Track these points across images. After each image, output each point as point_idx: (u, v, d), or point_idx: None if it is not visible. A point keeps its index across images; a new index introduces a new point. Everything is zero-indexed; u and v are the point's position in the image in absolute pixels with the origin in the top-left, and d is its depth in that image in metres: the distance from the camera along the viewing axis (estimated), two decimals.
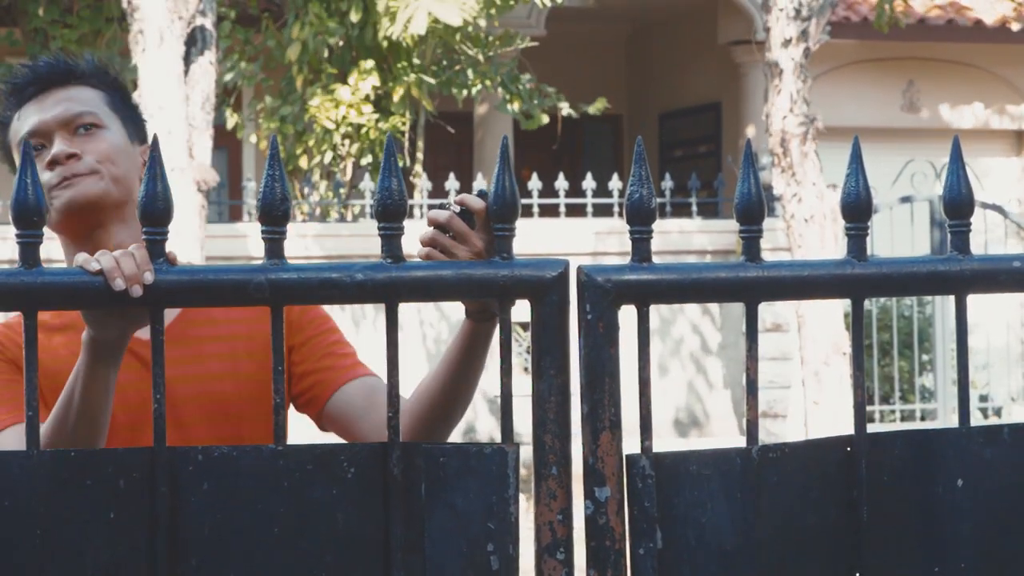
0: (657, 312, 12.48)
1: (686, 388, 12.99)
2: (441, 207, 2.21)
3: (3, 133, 2.56)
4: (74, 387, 2.16)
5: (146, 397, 2.18)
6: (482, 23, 12.68)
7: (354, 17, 12.03)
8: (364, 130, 12.37)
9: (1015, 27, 16.50)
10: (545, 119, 12.96)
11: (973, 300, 2.03)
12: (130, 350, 2.28)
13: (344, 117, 12.25)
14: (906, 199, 13.19)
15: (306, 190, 12.44)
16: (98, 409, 2.17)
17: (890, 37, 15.62)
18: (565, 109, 13.05)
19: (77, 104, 2.50)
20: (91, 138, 2.49)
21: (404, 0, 11.79)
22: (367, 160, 12.72)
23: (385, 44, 12.33)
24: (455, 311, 12.24)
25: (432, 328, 12.21)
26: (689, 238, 13.01)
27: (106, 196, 2.44)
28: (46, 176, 2.45)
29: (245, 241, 12.29)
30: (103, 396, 2.16)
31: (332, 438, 2.34)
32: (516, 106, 12.84)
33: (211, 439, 2.39)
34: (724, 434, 12.87)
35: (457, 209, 2.18)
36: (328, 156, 12.49)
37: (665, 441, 12.24)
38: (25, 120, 2.51)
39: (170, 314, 2.42)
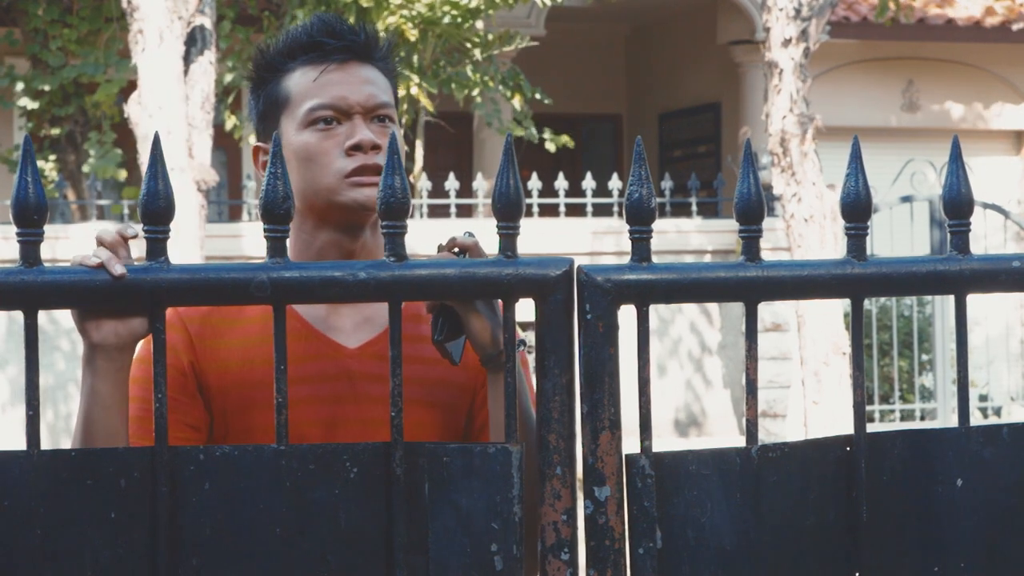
0: (656, 312, 12.48)
1: (685, 388, 12.99)
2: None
3: (270, 77, 2.39)
4: (79, 410, 2.11)
5: (342, 412, 2.26)
6: (479, 24, 12.67)
7: (349, 20, 12.05)
8: None
9: (1015, 27, 16.51)
10: (521, 131, 12.96)
11: (973, 300, 2.03)
12: (335, 360, 2.25)
13: None
14: (906, 199, 13.19)
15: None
16: (99, 431, 2.09)
17: (890, 37, 15.64)
18: (527, 132, 13.02)
19: (380, 92, 2.37)
20: (386, 133, 2.35)
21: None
22: None
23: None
24: None
25: None
26: (688, 238, 13.01)
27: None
28: (341, 161, 2.31)
29: (245, 241, 12.29)
30: (105, 415, 2.08)
31: None
32: (518, 101, 12.84)
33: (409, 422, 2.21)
34: (724, 433, 12.87)
35: (453, 251, 2.10)
36: None
37: (665, 441, 12.24)
38: (323, 87, 2.34)
39: (378, 326, 2.34)
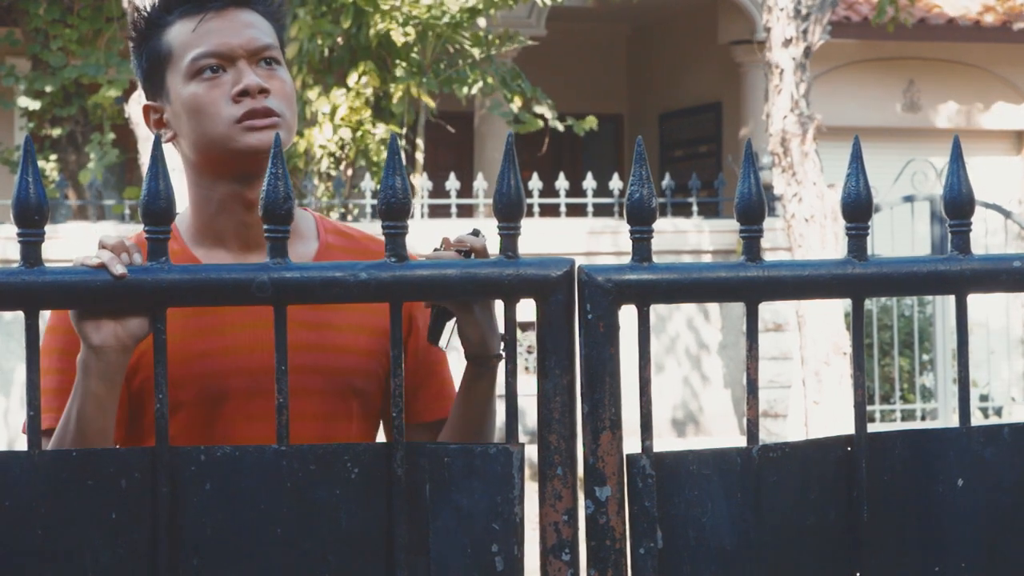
0: (653, 310, 12.47)
1: (683, 386, 12.99)
2: (441, 245, 2.16)
3: (151, 34, 2.36)
4: (71, 409, 2.11)
5: (265, 364, 2.19)
6: (480, 22, 12.67)
7: (346, 24, 12.03)
8: (359, 133, 12.37)
9: (1015, 27, 16.51)
10: (539, 124, 12.95)
11: (973, 299, 2.03)
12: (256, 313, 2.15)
13: (344, 117, 12.25)
14: (907, 199, 13.19)
15: (308, 187, 12.44)
16: (92, 429, 2.10)
17: (890, 37, 15.63)
18: (553, 121, 13.03)
19: (263, 35, 2.33)
20: (273, 75, 2.33)
21: None
22: (363, 163, 12.72)
23: (380, 43, 12.32)
24: None
25: None
26: (689, 238, 13.00)
27: (284, 145, 2.17)
28: (229, 108, 2.28)
29: None
30: (98, 416, 2.09)
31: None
32: (517, 103, 12.84)
33: (325, 411, 2.29)
34: (722, 433, 12.87)
35: (460, 250, 2.12)
36: (325, 163, 12.48)
37: (662, 440, 12.24)
38: (203, 36, 2.31)
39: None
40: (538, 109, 13.06)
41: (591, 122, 13.04)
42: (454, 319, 2.18)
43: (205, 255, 2.31)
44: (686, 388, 12.97)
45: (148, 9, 2.37)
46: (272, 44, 2.34)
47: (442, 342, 2.20)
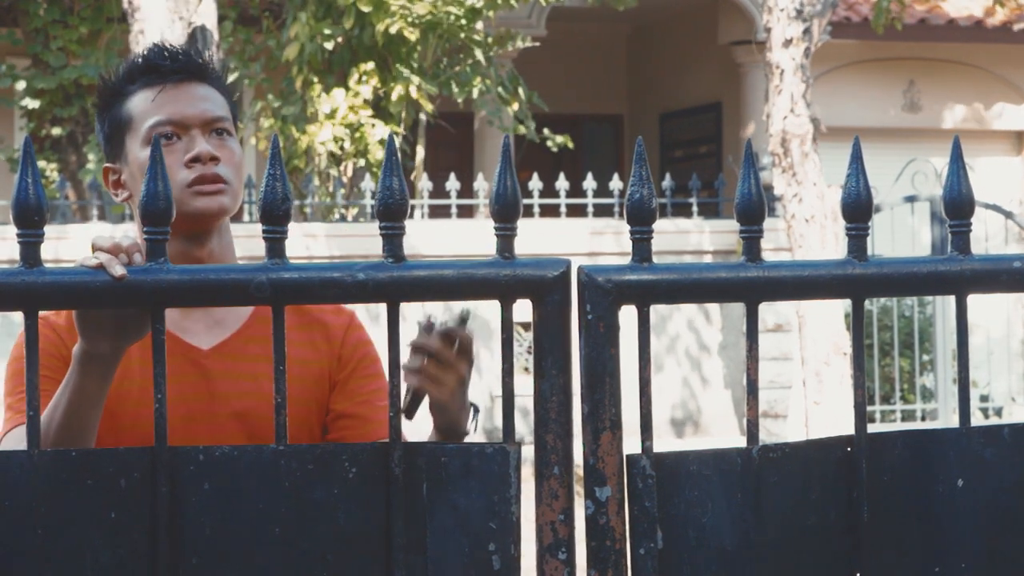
0: (654, 311, 12.47)
1: (682, 386, 12.99)
2: (427, 327, 2.25)
3: (114, 101, 2.53)
4: (60, 399, 2.15)
5: (198, 408, 2.38)
6: (479, 24, 12.67)
7: (348, 24, 12.04)
8: (358, 134, 12.37)
9: (1016, 27, 16.51)
10: (526, 130, 12.99)
11: (974, 300, 2.03)
12: (190, 360, 2.40)
13: (344, 117, 12.25)
14: (907, 199, 13.19)
15: (309, 187, 12.45)
16: (82, 424, 2.15)
17: (890, 37, 15.62)
18: (529, 132, 13.06)
19: (216, 107, 2.52)
20: (223, 145, 2.50)
21: None
22: (363, 163, 12.72)
23: (383, 43, 12.32)
24: (459, 305, 12.23)
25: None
26: (689, 238, 13.01)
27: (229, 210, 2.47)
28: (182, 173, 2.43)
29: (245, 241, 12.28)
30: (89, 411, 2.15)
31: None
32: (514, 106, 12.85)
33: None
34: (721, 433, 12.87)
35: (437, 331, 2.23)
36: (324, 162, 12.48)
37: (663, 440, 12.24)
38: (161, 106, 2.48)
39: (229, 328, 2.48)
40: (523, 115, 13.11)
41: (564, 140, 13.17)
42: (426, 395, 2.26)
43: None
44: (685, 388, 12.97)
45: (112, 78, 2.55)
46: (224, 116, 2.52)
47: (415, 416, 2.25)
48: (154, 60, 2.52)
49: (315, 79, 12.33)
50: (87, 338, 2.06)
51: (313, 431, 2.50)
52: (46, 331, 2.36)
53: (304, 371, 2.49)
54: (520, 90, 12.99)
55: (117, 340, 2.07)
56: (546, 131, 13.22)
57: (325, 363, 2.53)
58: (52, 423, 2.15)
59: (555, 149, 13.23)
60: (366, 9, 11.99)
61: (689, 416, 12.97)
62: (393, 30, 11.96)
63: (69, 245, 11.87)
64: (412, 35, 12.04)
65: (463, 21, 12.21)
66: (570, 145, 13.23)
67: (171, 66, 2.52)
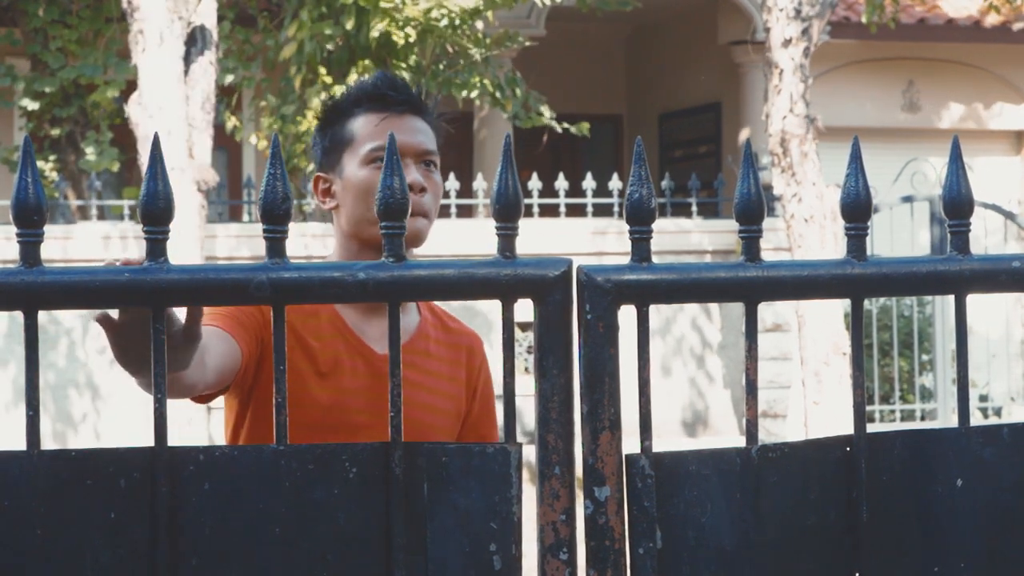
0: (658, 311, 12.48)
1: (690, 387, 12.99)
2: None
3: (337, 119, 2.80)
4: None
5: (368, 405, 2.68)
6: (479, 24, 12.67)
7: (348, 24, 12.04)
8: None
9: (1015, 27, 16.51)
10: (541, 120, 12.95)
11: (973, 300, 2.03)
12: (367, 361, 2.72)
13: None
14: (906, 199, 13.19)
15: (308, 187, 12.44)
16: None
17: (890, 37, 15.63)
18: (551, 122, 13.03)
19: (429, 141, 2.78)
20: (431, 177, 2.77)
21: None
22: None
23: (380, 44, 12.32)
24: (459, 305, 12.24)
25: None
26: (689, 238, 13.01)
27: (424, 238, 2.73)
28: None
29: (245, 241, 12.29)
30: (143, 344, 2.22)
31: None
32: (508, 109, 12.85)
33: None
34: (732, 432, 12.88)
35: None
36: None
37: (674, 441, 12.25)
38: (383, 131, 2.73)
39: (403, 337, 2.72)
40: (539, 109, 13.06)
41: (585, 127, 13.10)
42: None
43: (341, 308, 2.77)
44: (693, 388, 12.98)
45: (339, 98, 2.83)
46: (435, 151, 2.80)
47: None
48: (383, 89, 2.78)
49: (322, 70, 12.33)
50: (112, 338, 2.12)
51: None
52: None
53: (452, 387, 2.83)
54: (517, 91, 12.98)
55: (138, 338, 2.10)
56: (565, 124, 13.19)
57: (463, 386, 2.87)
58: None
59: (580, 134, 13.21)
60: (365, 4, 11.99)
61: (699, 416, 12.98)
62: (377, 32, 11.94)
63: (69, 245, 11.86)
64: (400, 39, 12.03)
65: (457, 22, 12.19)
66: (587, 132, 13.21)
67: (397, 97, 2.77)
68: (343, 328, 2.75)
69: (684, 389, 12.94)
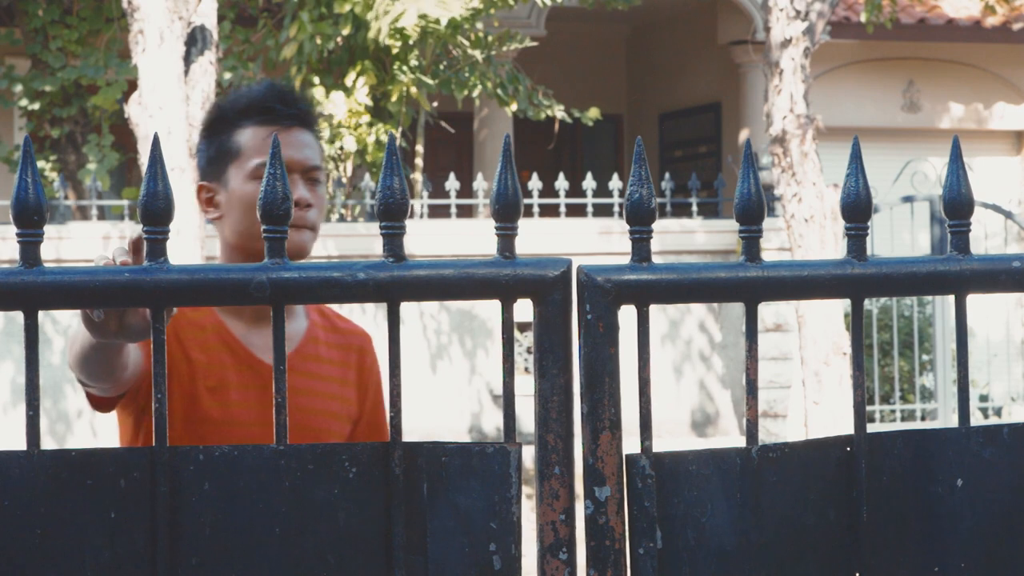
0: (664, 314, 12.49)
1: (701, 389, 13.00)
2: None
3: (224, 128, 2.77)
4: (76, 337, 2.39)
5: (262, 416, 2.67)
6: (479, 25, 12.67)
7: (345, 31, 12.04)
8: (357, 134, 12.36)
9: (1015, 27, 16.51)
10: (551, 112, 12.94)
11: (973, 300, 2.03)
12: (256, 372, 2.70)
13: (340, 123, 12.25)
14: (906, 199, 13.19)
15: None
16: (97, 357, 2.38)
17: (889, 37, 15.63)
18: (560, 113, 13.03)
19: (315, 156, 2.78)
20: (316, 193, 2.78)
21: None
22: (360, 162, 12.72)
23: (381, 44, 12.32)
24: (458, 305, 12.24)
25: (432, 320, 12.22)
26: (689, 238, 13.01)
27: (308, 251, 2.75)
28: None
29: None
30: (102, 350, 2.35)
31: None
32: (512, 108, 12.85)
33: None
34: (737, 433, 12.90)
35: None
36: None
37: (685, 441, 12.25)
38: (269, 147, 2.67)
39: (290, 345, 2.75)
40: (546, 102, 13.05)
41: (595, 113, 13.05)
42: None
43: (227, 320, 2.75)
44: (702, 390, 12.98)
45: (227, 106, 2.80)
46: (321, 166, 2.80)
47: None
48: (271, 102, 2.76)
49: (314, 79, 12.33)
50: (93, 334, 2.14)
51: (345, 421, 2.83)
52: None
53: (343, 390, 2.82)
54: (520, 88, 12.98)
55: (120, 339, 2.13)
56: (574, 111, 13.18)
57: (354, 387, 2.86)
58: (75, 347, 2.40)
59: (590, 124, 13.18)
60: (361, 15, 11.99)
61: (707, 417, 12.98)
62: (372, 34, 11.94)
63: (69, 245, 11.86)
64: (409, 37, 12.03)
65: (459, 23, 12.18)
66: (599, 117, 13.20)
67: (286, 111, 2.76)
68: (230, 340, 2.74)
69: (693, 390, 12.94)
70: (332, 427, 2.78)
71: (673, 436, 12.54)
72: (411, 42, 12.15)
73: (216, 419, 2.67)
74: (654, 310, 11.79)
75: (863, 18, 13.25)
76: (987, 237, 13.43)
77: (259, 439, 2.65)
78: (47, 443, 11.26)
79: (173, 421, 2.62)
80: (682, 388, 12.86)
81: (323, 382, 2.79)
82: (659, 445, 10.12)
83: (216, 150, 2.78)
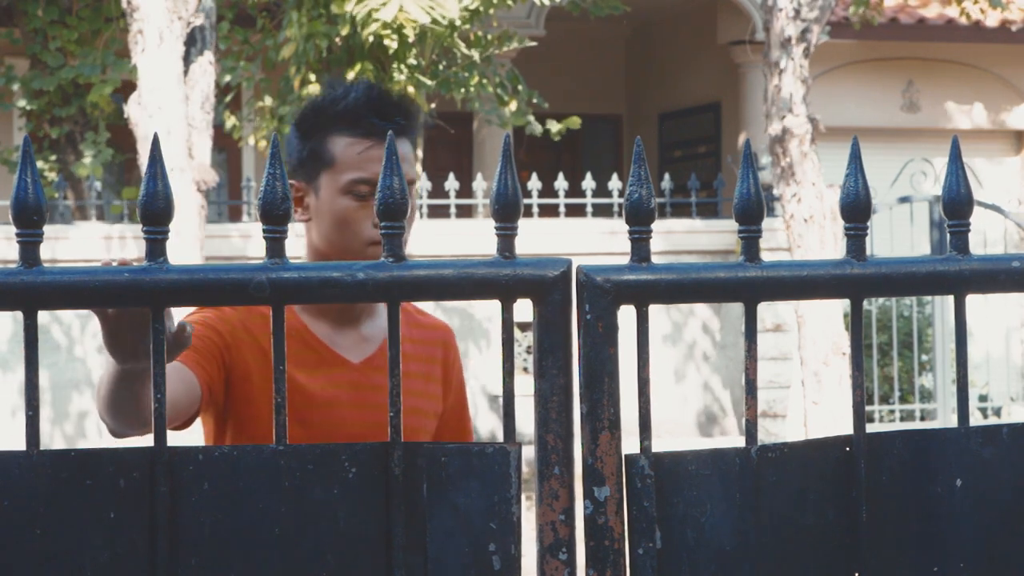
0: (668, 315, 12.48)
1: (706, 390, 13.00)
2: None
3: (319, 132, 2.73)
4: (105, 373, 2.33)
5: (349, 416, 2.68)
6: (465, 25, 12.66)
7: (344, 31, 12.04)
8: None
9: (1015, 27, 16.51)
10: (526, 121, 12.89)
11: (973, 299, 2.03)
12: (343, 371, 2.70)
13: None
14: (905, 199, 13.19)
15: None
16: (124, 395, 2.31)
17: (890, 37, 15.64)
18: (528, 126, 12.95)
19: (410, 169, 2.68)
20: (409, 202, 2.70)
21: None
22: None
23: (380, 46, 12.31)
24: (451, 303, 12.24)
25: None
26: (688, 238, 13.01)
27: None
28: (369, 231, 2.68)
29: (245, 241, 12.29)
30: (128, 385, 2.29)
31: None
32: (512, 106, 12.83)
33: None
34: (736, 433, 12.90)
35: None
36: None
37: (689, 442, 12.26)
38: (365, 162, 2.69)
39: (374, 344, 2.76)
40: (523, 112, 12.99)
41: (573, 122, 12.94)
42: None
43: (310, 322, 2.75)
44: (707, 391, 12.98)
45: (324, 111, 2.74)
46: (415, 179, 2.73)
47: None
48: (368, 115, 2.70)
49: (313, 78, 12.32)
50: (106, 340, 2.14)
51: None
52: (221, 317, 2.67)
53: (430, 387, 2.82)
54: (520, 88, 12.97)
55: (135, 340, 2.13)
56: (549, 121, 13.10)
57: (439, 383, 2.85)
58: (110, 392, 2.34)
59: (557, 138, 13.11)
60: (357, 12, 11.98)
61: (713, 417, 12.98)
62: (366, 32, 11.94)
63: (69, 245, 11.86)
64: (407, 36, 12.02)
65: (458, 24, 12.17)
66: (576, 126, 13.12)
67: (382, 125, 2.69)
68: (313, 342, 2.73)
69: (698, 390, 12.95)
70: (419, 424, 2.75)
71: (678, 437, 12.54)
72: (409, 41, 12.14)
73: (313, 395, 2.68)
74: (658, 311, 11.79)
75: (851, 11, 13.27)
76: (987, 247, 13.43)
77: (352, 420, 2.67)
78: (58, 444, 11.26)
79: (261, 406, 2.64)
80: (687, 389, 12.86)
81: (408, 379, 2.73)
82: (664, 446, 10.12)
83: (310, 152, 2.74)
